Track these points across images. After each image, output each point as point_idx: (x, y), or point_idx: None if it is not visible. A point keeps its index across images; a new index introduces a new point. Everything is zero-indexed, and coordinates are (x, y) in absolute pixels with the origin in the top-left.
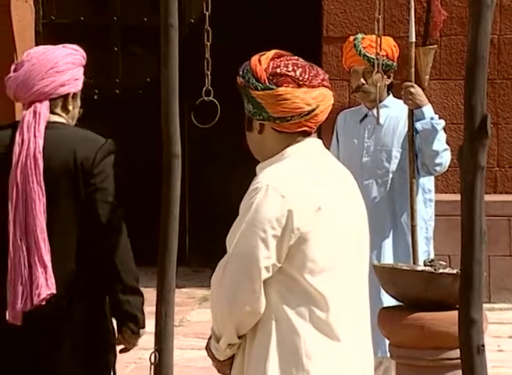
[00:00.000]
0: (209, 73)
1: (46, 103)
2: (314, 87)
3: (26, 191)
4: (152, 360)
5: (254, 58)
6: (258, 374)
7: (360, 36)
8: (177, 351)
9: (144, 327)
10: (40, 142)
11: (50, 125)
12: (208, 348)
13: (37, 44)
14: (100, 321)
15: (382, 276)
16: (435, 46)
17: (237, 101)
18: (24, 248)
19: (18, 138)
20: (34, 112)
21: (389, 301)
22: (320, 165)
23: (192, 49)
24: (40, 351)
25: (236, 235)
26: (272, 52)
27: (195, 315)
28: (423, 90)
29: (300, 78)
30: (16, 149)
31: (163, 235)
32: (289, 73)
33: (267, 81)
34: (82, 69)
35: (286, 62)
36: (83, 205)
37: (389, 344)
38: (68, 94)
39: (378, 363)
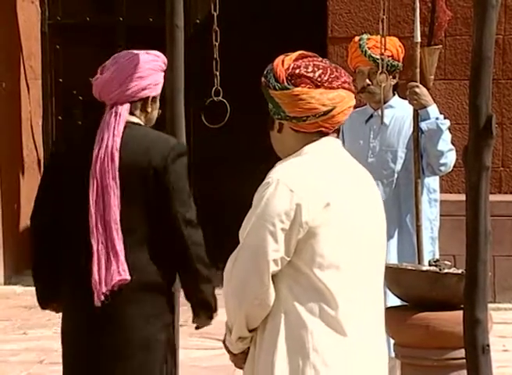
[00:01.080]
0: (218, 74)
1: (127, 105)
2: (332, 88)
3: (103, 186)
4: None
5: (278, 59)
6: (267, 366)
7: (365, 36)
8: (182, 350)
9: (216, 311)
10: (118, 140)
11: (128, 125)
12: (224, 342)
13: (42, 45)
14: (166, 313)
15: (387, 276)
16: (440, 46)
17: (244, 102)
18: (102, 238)
19: (98, 136)
20: (115, 113)
21: (393, 301)
22: (333, 163)
23: (197, 50)
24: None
25: (246, 228)
26: (297, 53)
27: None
28: (428, 90)
29: (319, 79)
30: (96, 146)
31: None
32: (308, 74)
33: (285, 81)
34: (162, 74)
35: (308, 62)
36: (152, 201)
37: (394, 344)
38: (148, 97)
39: None
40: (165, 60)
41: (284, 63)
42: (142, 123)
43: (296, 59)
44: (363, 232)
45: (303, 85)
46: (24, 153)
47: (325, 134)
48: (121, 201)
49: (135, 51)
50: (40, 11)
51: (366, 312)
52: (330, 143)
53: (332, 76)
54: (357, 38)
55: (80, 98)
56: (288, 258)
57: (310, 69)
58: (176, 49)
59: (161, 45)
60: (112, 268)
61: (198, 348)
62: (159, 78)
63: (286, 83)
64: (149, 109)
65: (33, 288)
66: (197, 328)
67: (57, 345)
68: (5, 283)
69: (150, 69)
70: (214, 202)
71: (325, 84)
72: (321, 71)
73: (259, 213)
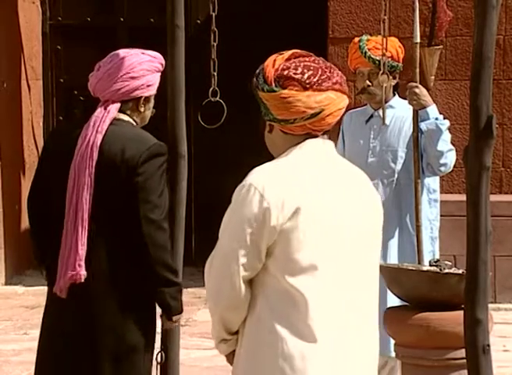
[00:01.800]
0: (216, 74)
1: (117, 104)
2: (320, 90)
3: (79, 181)
4: (159, 360)
5: (270, 59)
6: (239, 371)
7: (365, 37)
8: (183, 350)
9: (179, 313)
10: (99, 137)
11: (114, 122)
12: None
13: (43, 45)
14: (137, 312)
15: (388, 276)
16: (441, 47)
17: (243, 102)
18: (72, 230)
19: (83, 132)
20: (104, 110)
21: (393, 301)
22: (314, 165)
23: (198, 50)
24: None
25: (221, 232)
26: (290, 52)
27: (201, 314)
28: (428, 90)
29: (307, 81)
30: (79, 141)
31: (170, 235)
32: (296, 76)
33: (273, 83)
34: (158, 75)
35: (298, 63)
36: (124, 200)
37: (395, 344)
38: (140, 97)
39: (383, 363)
40: (163, 61)
41: (275, 63)
42: (132, 121)
43: (289, 59)
44: (344, 234)
45: (290, 87)
46: (25, 153)
47: (314, 136)
48: (94, 198)
49: (132, 51)
50: (41, 11)
51: (349, 315)
52: (314, 145)
53: (323, 77)
54: (356, 39)
55: (81, 98)
56: (259, 264)
57: (299, 70)
58: (177, 49)
59: (161, 45)
60: (69, 261)
61: (199, 348)
62: (154, 79)
63: (273, 85)
64: (141, 109)
65: (35, 288)
66: (164, 328)
67: None
68: (6, 284)
69: (144, 69)
70: (213, 202)
71: (314, 86)
72: (311, 72)
73: (231, 217)
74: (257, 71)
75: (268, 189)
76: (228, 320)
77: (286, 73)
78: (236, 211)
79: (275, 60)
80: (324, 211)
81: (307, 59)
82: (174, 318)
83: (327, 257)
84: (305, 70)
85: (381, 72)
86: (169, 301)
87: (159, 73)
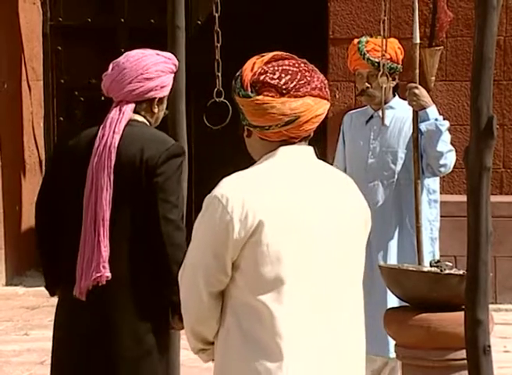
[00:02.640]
0: (220, 75)
1: (132, 104)
2: (297, 96)
3: (97, 181)
4: None
5: (249, 62)
6: None
7: (364, 39)
8: (183, 351)
9: None
10: (117, 138)
11: (130, 123)
12: None
13: (44, 46)
14: (153, 312)
15: (388, 276)
16: (441, 47)
17: None
18: (91, 233)
19: (100, 133)
20: (120, 110)
21: (393, 301)
22: (286, 174)
23: (199, 51)
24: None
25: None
26: (271, 55)
27: None
28: (429, 91)
29: (284, 87)
30: (97, 142)
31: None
32: (273, 81)
33: (249, 88)
34: (172, 76)
35: (277, 67)
36: (144, 201)
37: (395, 345)
38: (154, 98)
39: (383, 364)
40: (176, 62)
41: (254, 66)
42: (146, 122)
43: (268, 62)
44: (317, 246)
45: (265, 93)
46: (26, 154)
47: (291, 143)
48: (113, 199)
49: (146, 52)
50: (41, 12)
51: (324, 333)
52: (289, 153)
53: (301, 82)
54: (356, 41)
55: (82, 99)
56: (225, 277)
57: (276, 75)
58: (178, 50)
59: (162, 46)
60: (93, 264)
61: None
62: (168, 80)
63: (249, 91)
64: (155, 110)
65: (35, 289)
66: (172, 329)
67: None
68: (6, 284)
69: (159, 70)
70: None
71: (291, 92)
72: (288, 77)
73: (197, 228)
74: (237, 73)
75: (231, 202)
76: (199, 332)
77: (262, 78)
78: (202, 223)
79: (254, 63)
80: (292, 223)
81: (286, 62)
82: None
83: (296, 271)
84: (282, 75)
85: (380, 73)
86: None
87: (173, 74)
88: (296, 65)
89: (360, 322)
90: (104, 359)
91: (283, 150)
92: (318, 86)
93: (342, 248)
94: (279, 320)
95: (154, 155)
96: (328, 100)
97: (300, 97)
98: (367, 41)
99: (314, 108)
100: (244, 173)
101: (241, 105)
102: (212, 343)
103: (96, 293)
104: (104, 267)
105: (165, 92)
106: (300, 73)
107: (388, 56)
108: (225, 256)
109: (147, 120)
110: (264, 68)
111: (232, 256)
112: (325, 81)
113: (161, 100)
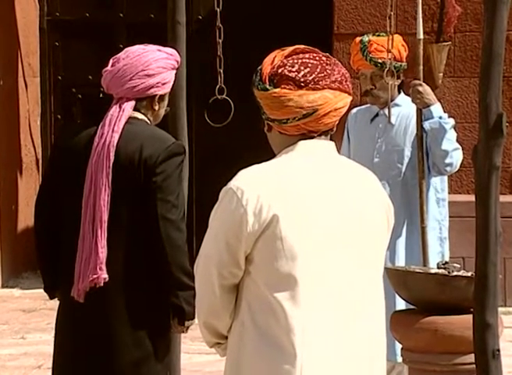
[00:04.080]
0: (222, 71)
1: (132, 102)
2: (316, 89)
3: (96, 182)
4: None
5: (270, 55)
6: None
7: (366, 39)
8: (184, 355)
9: (192, 319)
10: (116, 136)
11: (130, 121)
12: None
13: (41, 42)
14: (154, 314)
15: (395, 279)
16: (449, 43)
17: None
18: (91, 233)
19: (99, 131)
20: (120, 108)
21: (402, 305)
22: (303, 169)
23: (199, 47)
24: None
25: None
26: (292, 48)
27: None
28: (436, 88)
29: (302, 79)
30: (96, 141)
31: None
32: (290, 74)
33: (267, 81)
34: (173, 72)
35: (296, 60)
36: (143, 200)
37: (402, 349)
38: (155, 95)
39: (390, 368)
40: (178, 58)
41: (274, 60)
42: (147, 120)
43: (289, 55)
44: (333, 243)
45: (283, 86)
46: (22, 153)
47: (310, 137)
48: (112, 199)
49: (147, 47)
50: (38, 7)
51: (340, 333)
52: (307, 147)
53: (321, 74)
54: (358, 39)
55: (80, 96)
56: (239, 271)
57: (295, 67)
58: (178, 46)
59: (162, 42)
60: (90, 265)
61: (200, 352)
62: (169, 76)
63: (267, 84)
64: (156, 107)
65: (32, 291)
66: (173, 332)
67: None
68: (2, 286)
69: (160, 67)
70: (213, 200)
71: (310, 85)
72: (307, 70)
73: (212, 220)
74: (259, 67)
75: (246, 195)
76: (211, 325)
77: (280, 70)
78: (217, 214)
79: (275, 56)
80: (308, 219)
81: (307, 56)
82: (186, 323)
83: (311, 268)
84: (301, 68)
85: (387, 69)
86: (183, 305)
87: (174, 71)
88: (317, 58)
89: (381, 326)
90: (103, 364)
91: (302, 144)
92: (339, 79)
93: (361, 247)
94: (294, 319)
95: (154, 153)
96: (349, 93)
97: (319, 90)
98: (369, 41)
99: (334, 102)
100: (261, 166)
101: (259, 98)
102: (226, 337)
103: (94, 295)
104: (100, 269)
105: (167, 89)
106: (320, 66)
107: (391, 56)
108: (238, 249)
109: (148, 118)
110: (284, 61)
111: (245, 249)
112: (347, 75)
113: (162, 97)
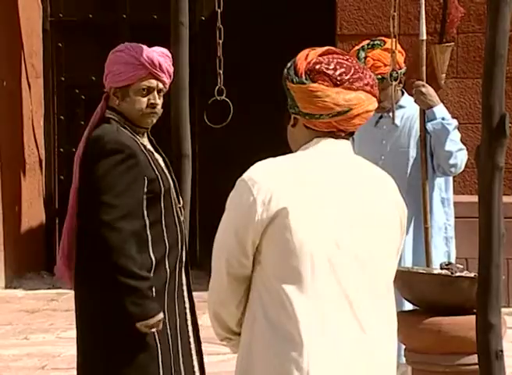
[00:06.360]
0: (221, 72)
1: (103, 101)
2: (351, 89)
3: (74, 181)
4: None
5: (303, 52)
6: (237, 370)
7: (362, 55)
8: None
9: (144, 320)
10: (85, 133)
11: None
12: None
13: (44, 43)
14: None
15: (398, 279)
16: (452, 44)
17: (248, 100)
18: (66, 230)
19: (86, 131)
20: (96, 111)
21: (408, 305)
22: (320, 165)
23: (203, 48)
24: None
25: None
26: (324, 49)
27: (206, 319)
28: (439, 89)
29: (339, 78)
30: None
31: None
32: (328, 71)
33: (303, 75)
34: (132, 66)
35: (332, 59)
36: (86, 199)
37: (405, 350)
38: (113, 88)
39: None
40: (151, 56)
41: (308, 57)
42: (114, 117)
43: (322, 54)
44: (345, 241)
45: (320, 81)
46: (25, 153)
47: (336, 137)
48: (77, 201)
49: (132, 44)
50: (41, 8)
51: (351, 326)
52: (329, 144)
53: (355, 76)
54: (354, 51)
55: (83, 97)
56: (247, 261)
57: (332, 66)
58: (181, 47)
59: (165, 43)
60: (59, 256)
61: (204, 353)
62: (121, 69)
63: (303, 78)
64: (116, 102)
65: (35, 292)
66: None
67: (59, 350)
68: (6, 287)
69: (114, 60)
70: (216, 200)
71: (345, 84)
72: (343, 70)
73: (226, 209)
74: (289, 64)
75: (257, 185)
76: (219, 314)
77: (318, 67)
78: (229, 203)
79: (308, 54)
80: (318, 216)
81: (341, 57)
82: (138, 324)
83: (320, 265)
84: (337, 67)
85: (390, 69)
86: (130, 307)
87: (134, 65)
88: (350, 60)
89: (391, 328)
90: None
91: (321, 142)
92: (370, 83)
93: (371, 243)
94: (301, 311)
95: (90, 153)
96: (377, 98)
97: (353, 90)
98: (365, 58)
99: (366, 104)
100: (277, 159)
101: (294, 91)
102: (236, 333)
103: (76, 287)
104: (63, 264)
105: (119, 83)
106: (353, 68)
107: (389, 68)
108: (247, 238)
109: (118, 113)
110: (320, 58)
111: (253, 239)
112: (376, 80)
113: (121, 90)
